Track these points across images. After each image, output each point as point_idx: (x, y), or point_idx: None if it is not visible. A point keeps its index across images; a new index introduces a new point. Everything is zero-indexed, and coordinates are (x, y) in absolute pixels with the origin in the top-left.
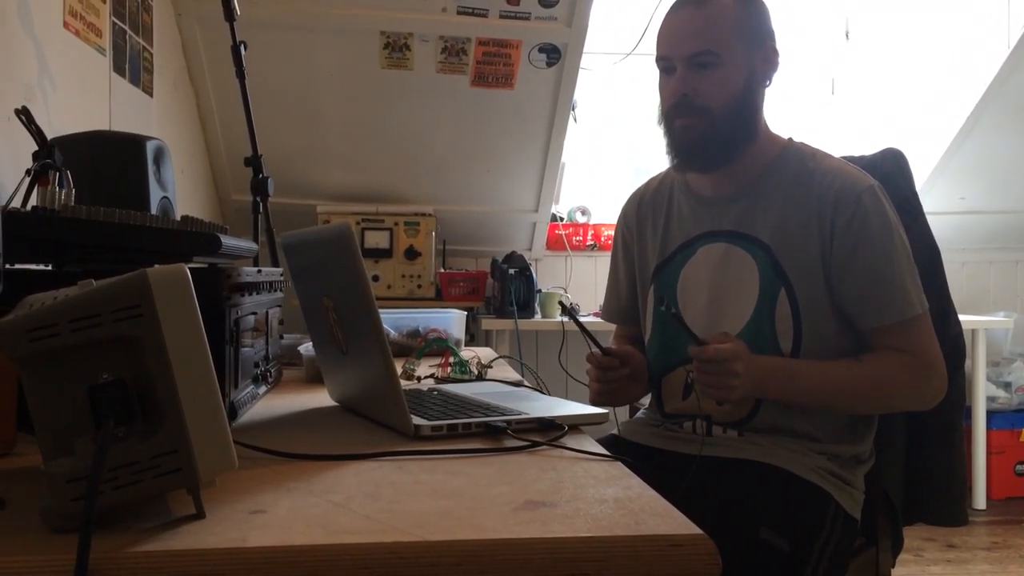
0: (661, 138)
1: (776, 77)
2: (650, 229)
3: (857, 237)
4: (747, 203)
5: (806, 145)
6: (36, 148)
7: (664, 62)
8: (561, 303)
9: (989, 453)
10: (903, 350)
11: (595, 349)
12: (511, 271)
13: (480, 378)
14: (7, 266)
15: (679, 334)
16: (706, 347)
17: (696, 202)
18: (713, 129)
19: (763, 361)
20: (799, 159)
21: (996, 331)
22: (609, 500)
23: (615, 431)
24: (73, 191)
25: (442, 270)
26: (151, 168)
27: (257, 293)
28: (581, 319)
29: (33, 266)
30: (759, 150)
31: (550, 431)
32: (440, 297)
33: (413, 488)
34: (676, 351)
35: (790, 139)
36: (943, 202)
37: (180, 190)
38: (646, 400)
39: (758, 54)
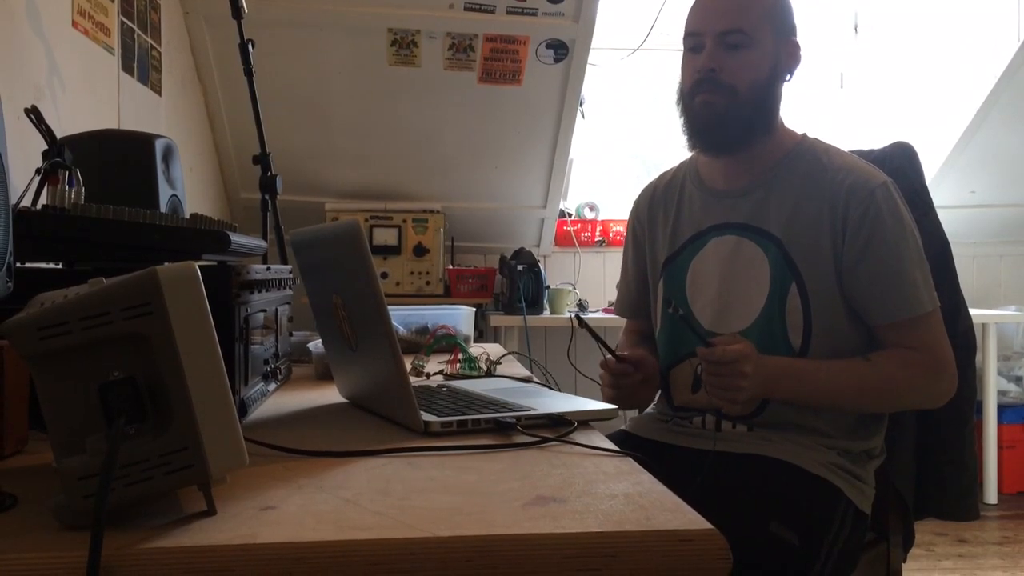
0: (678, 119)
1: (796, 73)
2: (661, 221)
3: (869, 233)
4: (759, 196)
5: (820, 141)
6: (46, 147)
7: (693, 39)
8: (578, 317)
9: (1000, 447)
10: (912, 348)
11: (608, 356)
12: (520, 267)
13: (489, 374)
14: (18, 264)
15: (687, 329)
16: (714, 348)
17: (708, 195)
18: (735, 109)
19: (771, 362)
20: (813, 154)
21: (1007, 325)
22: (619, 495)
23: (625, 427)
24: (83, 190)
25: (451, 267)
26: (160, 166)
27: (266, 290)
28: (589, 316)
29: (43, 264)
30: (774, 144)
31: (560, 427)
32: (449, 294)
33: (423, 484)
34: (683, 344)
35: (804, 135)
36: (953, 196)
37: (189, 188)
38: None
39: (784, 46)
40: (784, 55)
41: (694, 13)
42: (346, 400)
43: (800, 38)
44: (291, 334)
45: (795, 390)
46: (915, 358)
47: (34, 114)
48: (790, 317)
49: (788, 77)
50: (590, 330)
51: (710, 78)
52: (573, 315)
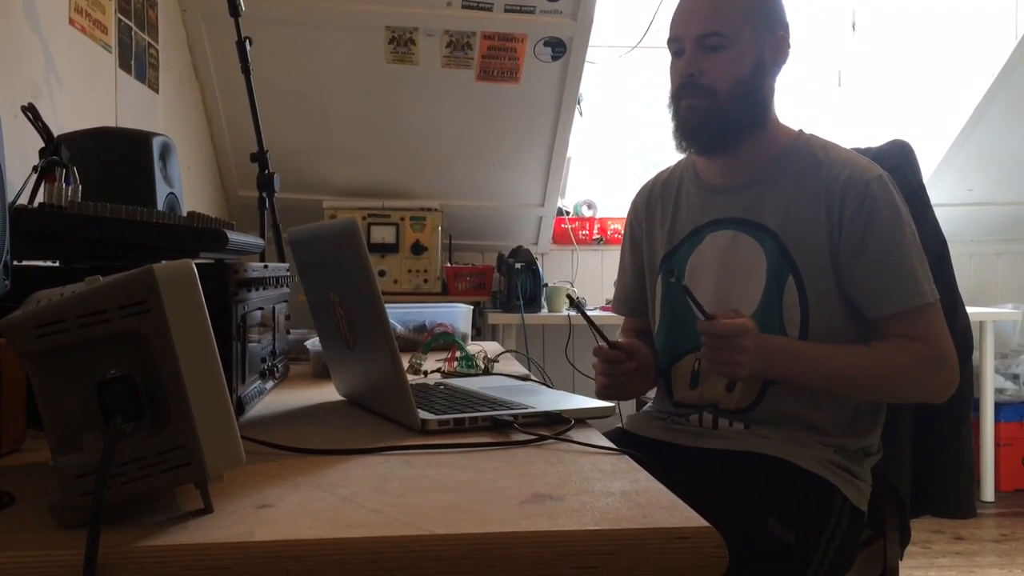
0: (669, 122)
1: (785, 68)
2: (659, 219)
3: (865, 225)
4: (756, 191)
5: (816, 137)
6: (43, 145)
7: (674, 44)
8: (569, 296)
9: (997, 445)
10: (913, 338)
11: (601, 342)
12: (517, 265)
13: (486, 372)
14: (15, 262)
15: (687, 322)
16: (715, 322)
17: (705, 191)
18: (718, 111)
19: (772, 340)
20: (809, 149)
21: (1004, 323)
22: (616, 493)
23: (622, 424)
24: (80, 188)
25: (448, 265)
26: (157, 164)
27: (264, 288)
28: (587, 314)
29: (40, 262)
30: (769, 139)
31: (557, 425)
32: (446, 292)
33: (420, 482)
34: (684, 340)
35: (800, 131)
36: (951, 194)
37: (186, 186)
38: (652, 392)
39: (768, 41)
40: (769, 50)
41: (674, 18)
42: (343, 398)
43: (793, 33)
44: (288, 332)
45: (794, 370)
46: (915, 347)
47: (31, 112)
48: (787, 311)
49: (776, 71)
50: (582, 313)
51: (691, 82)
52: (567, 294)
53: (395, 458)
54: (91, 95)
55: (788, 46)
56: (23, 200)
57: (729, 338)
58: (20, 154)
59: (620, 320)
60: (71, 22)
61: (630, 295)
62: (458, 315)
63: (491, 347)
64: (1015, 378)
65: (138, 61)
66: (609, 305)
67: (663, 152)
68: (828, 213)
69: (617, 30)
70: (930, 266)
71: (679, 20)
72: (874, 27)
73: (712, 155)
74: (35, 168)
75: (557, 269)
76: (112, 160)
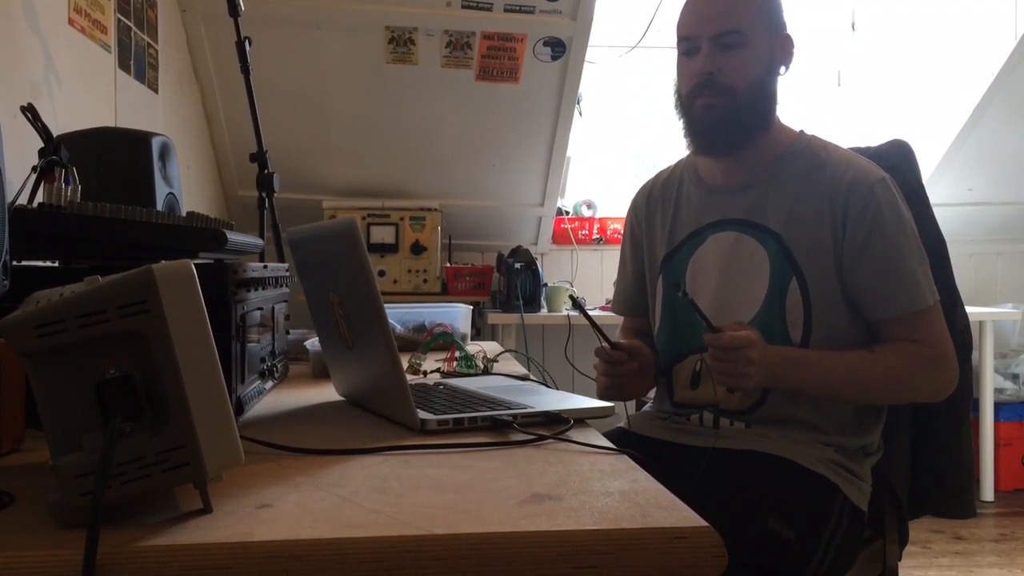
0: (677, 122)
1: (791, 67)
2: (659, 219)
3: (869, 228)
4: (758, 192)
5: (817, 137)
6: (42, 145)
7: (688, 43)
8: (571, 297)
9: (997, 445)
10: (914, 341)
11: (603, 343)
12: (517, 265)
13: (486, 372)
14: (14, 262)
15: (689, 323)
16: (721, 334)
17: (706, 191)
18: (735, 110)
19: (776, 350)
20: (811, 150)
21: (1004, 323)
22: (615, 493)
23: (622, 424)
24: (79, 188)
25: (448, 265)
26: (157, 164)
27: (263, 289)
28: (589, 314)
29: (40, 262)
30: (772, 140)
31: (556, 425)
32: (446, 292)
33: (419, 482)
34: (686, 340)
35: (802, 131)
36: (950, 194)
37: (186, 186)
38: (653, 392)
39: (776, 41)
40: (777, 50)
41: (687, 16)
42: (343, 398)
43: (796, 34)
44: (288, 332)
45: (798, 378)
46: (917, 350)
47: (30, 112)
48: (790, 313)
49: (783, 71)
50: (585, 314)
51: (709, 81)
52: (569, 295)
53: (395, 458)
54: (90, 95)
55: (792, 44)
56: (23, 200)
57: (736, 350)
58: (20, 154)
59: (620, 320)
60: (71, 22)
61: (630, 295)
62: (458, 315)
63: (491, 347)
64: (1015, 378)
65: (137, 61)
66: (609, 305)
67: (663, 152)
68: (832, 214)
69: (617, 30)
70: (930, 266)
71: (693, 18)
72: (874, 27)
73: (723, 156)
74: (34, 168)
75: (557, 269)
76: (111, 160)
